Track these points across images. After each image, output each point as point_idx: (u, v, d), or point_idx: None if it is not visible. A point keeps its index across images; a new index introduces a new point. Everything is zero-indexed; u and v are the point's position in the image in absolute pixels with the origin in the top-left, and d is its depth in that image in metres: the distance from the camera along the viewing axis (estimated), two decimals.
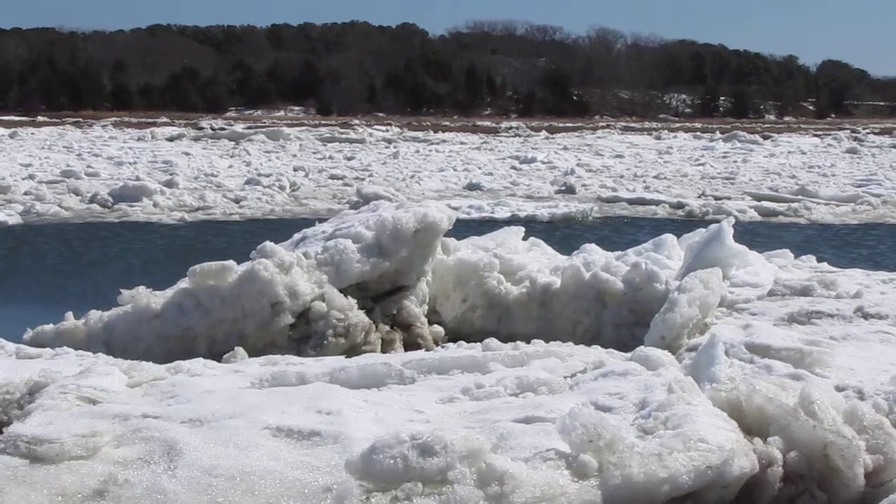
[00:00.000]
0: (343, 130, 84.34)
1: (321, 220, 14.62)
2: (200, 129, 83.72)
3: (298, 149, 62.72)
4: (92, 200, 32.25)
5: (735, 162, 55.92)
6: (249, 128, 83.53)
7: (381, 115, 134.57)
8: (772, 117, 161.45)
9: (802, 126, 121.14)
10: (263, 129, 78.57)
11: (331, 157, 55.28)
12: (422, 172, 44.78)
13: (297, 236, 13.62)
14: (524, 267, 14.23)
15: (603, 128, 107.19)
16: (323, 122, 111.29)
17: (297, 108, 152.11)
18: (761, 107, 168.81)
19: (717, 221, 13.40)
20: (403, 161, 52.89)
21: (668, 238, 14.53)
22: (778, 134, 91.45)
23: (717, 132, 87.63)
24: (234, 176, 41.02)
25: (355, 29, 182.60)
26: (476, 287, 13.88)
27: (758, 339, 9.20)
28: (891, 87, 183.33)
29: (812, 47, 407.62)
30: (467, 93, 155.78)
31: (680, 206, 33.76)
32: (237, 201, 33.40)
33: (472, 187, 39.25)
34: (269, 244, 12.29)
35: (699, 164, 53.02)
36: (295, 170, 45.22)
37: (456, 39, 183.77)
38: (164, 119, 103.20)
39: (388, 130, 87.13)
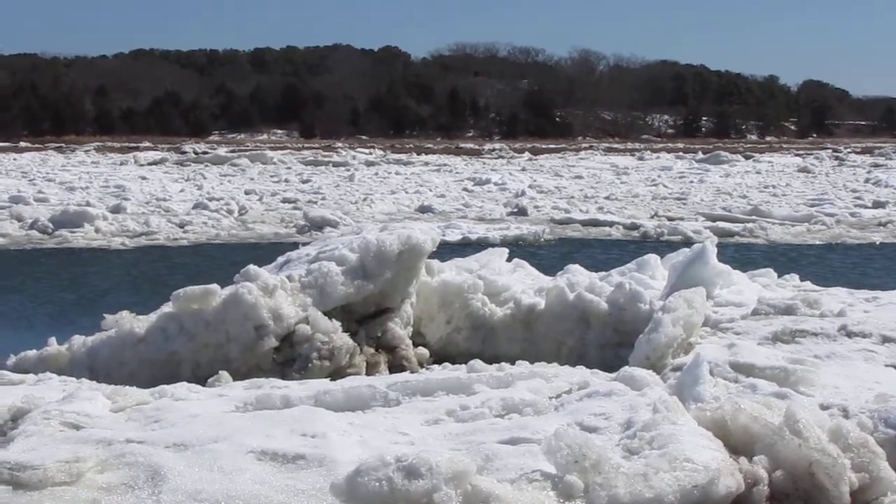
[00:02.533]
0: (326, 153, 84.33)
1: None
2: (183, 153, 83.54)
3: (258, 173, 62.57)
4: (32, 227, 31.48)
5: (692, 182, 56.06)
6: (233, 151, 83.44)
7: (364, 137, 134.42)
8: (754, 137, 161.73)
9: (784, 146, 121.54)
10: (247, 153, 78.51)
11: (286, 181, 55.16)
12: (374, 195, 44.61)
13: (280, 259, 13.62)
14: (508, 288, 14.23)
15: (586, 149, 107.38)
16: (306, 145, 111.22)
17: (280, 131, 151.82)
18: (743, 127, 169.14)
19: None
20: (358, 184, 52.76)
21: (652, 258, 14.56)
22: (760, 154, 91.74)
23: (700, 152, 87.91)
24: (186, 200, 40.70)
25: (338, 52, 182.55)
26: (460, 309, 13.87)
27: (742, 358, 9.20)
28: (871, 107, 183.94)
29: (793, 67, 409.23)
30: (450, 115, 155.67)
31: (634, 227, 33.65)
32: (182, 226, 32.90)
33: (424, 210, 39.13)
34: (252, 267, 12.28)
35: (653, 185, 53.13)
36: (246, 193, 44.97)
37: (438, 62, 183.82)
38: (147, 143, 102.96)
39: (371, 153, 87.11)
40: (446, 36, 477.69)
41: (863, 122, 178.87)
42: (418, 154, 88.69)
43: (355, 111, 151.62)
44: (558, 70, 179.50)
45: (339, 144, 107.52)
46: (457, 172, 64.96)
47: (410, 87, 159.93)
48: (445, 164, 74.61)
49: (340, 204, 40.59)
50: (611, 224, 34.34)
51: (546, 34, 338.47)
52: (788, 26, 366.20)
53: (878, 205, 41.03)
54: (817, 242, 31.18)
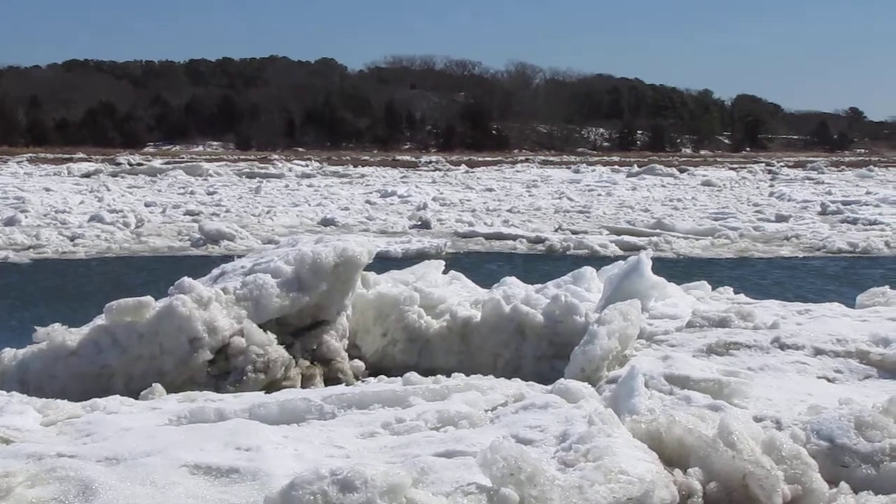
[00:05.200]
0: (262, 165, 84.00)
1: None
2: (118, 164, 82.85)
3: (167, 185, 61.98)
4: None
5: (599, 196, 56.27)
6: (168, 163, 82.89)
7: (300, 149, 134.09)
8: (688, 151, 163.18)
9: (718, 159, 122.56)
10: (182, 165, 78.04)
11: (192, 193, 54.78)
12: (276, 208, 44.42)
13: (215, 271, 13.50)
14: (444, 300, 14.21)
15: (522, 161, 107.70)
16: (242, 157, 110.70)
17: (215, 143, 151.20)
18: (678, 140, 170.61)
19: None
20: (263, 196, 52.42)
21: (588, 270, 14.60)
22: (695, 167, 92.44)
23: (635, 165, 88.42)
24: (85, 213, 40.17)
25: (274, 64, 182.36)
26: (396, 321, 13.83)
27: (677, 370, 9.25)
28: (804, 121, 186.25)
29: (727, 82, 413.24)
30: (387, 127, 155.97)
31: (539, 240, 33.54)
32: (73, 239, 32.33)
33: (326, 223, 38.93)
34: (187, 279, 12.18)
35: (557, 198, 53.33)
36: (147, 205, 44.57)
37: (375, 74, 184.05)
38: (81, 155, 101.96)
39: (307, 165, 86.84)
40: (383, 48, 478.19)
41: (795, 137, 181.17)
42: (355, 166, 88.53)
43: (291, 123, 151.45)
44: (494, 83, 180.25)
45: (276, 156, 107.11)
46: (366, 185, 64.79)
47: (347, 100, 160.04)
48: (383, 177, 74.62)
49: (242, 217, 40.36)
50: (515, 237, 34.24)
51: (482, 47, 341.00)
52: (722, 41, 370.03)
53: (780, 219, 41.68)
54: (730, 256, 31.46)
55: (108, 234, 33.52)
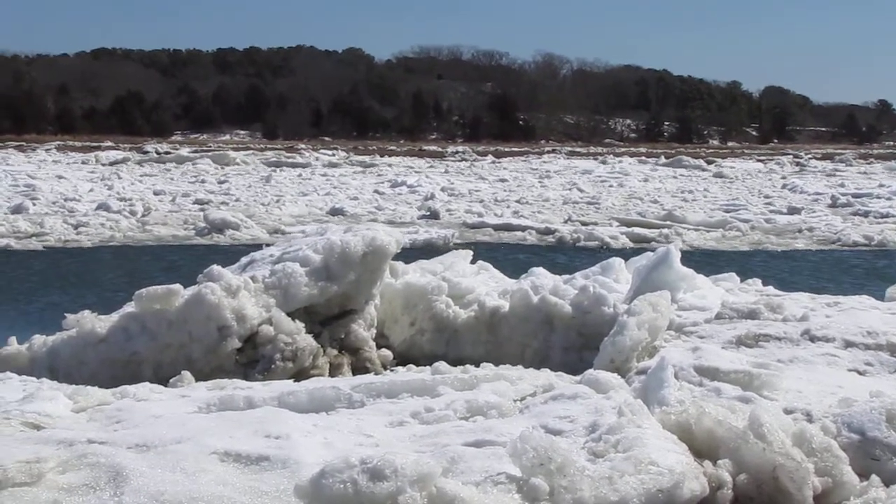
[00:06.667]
0: (289, 155, 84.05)
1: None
2: (145, 153, 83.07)
3: (180, 174, 61.78)
4: None
5: (611, 187, 55.94)
6: (195, 152, 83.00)
7: (327, 139, 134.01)
8: (716, 142, 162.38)
9: (746, 151, 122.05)
10: (209, 153, 78.16)
11: (202, 181, 54.75)
12: (285, 197, 44.36)
13: (244, 260, 13.54)
14: (472, 290, 14.22)
15: (549, 152, 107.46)
16: (269, 146, 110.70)
17: (242, 132, 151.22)
18: (705, 132, 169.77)
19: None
20: (273, 186, 52.22)
21: (616, 261, 14.58)
22: (722, 159, 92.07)
23: (662, 157, 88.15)
24: (94, 201, 40.14)
25: (301, 53, 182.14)
26: (424, 311, 13.84)
27: (706, 361, 9.21)
28: (832, 114, 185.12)
29: (755, 73, 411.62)
30: (413, 117, 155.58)
31: (549, 231, 33.36)
32: (77, 227, 32.24)
33: (335, 212, 38.84)
34: (216, 267, 12.22)
35: (568, 189, 53.03)
36: (156, 193, 44.53)
37: (402, 64, 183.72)
38: (109, 143, 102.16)
39: (334, 155, 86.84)
40: (410, 38, 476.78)
41: (823, 129, 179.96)
42: (381, 156, 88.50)
43: (318, 113, 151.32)
44: (522, 74, 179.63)
45: (302, 146, 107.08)
46: (379, 174, 64.52)
47: (374, 89, 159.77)
48: (411, 167, 74.58)
49: (250, 206, 40.23)
50: (524, 228, 34.11)
51: (510, 38, 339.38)
52: (750, 32, 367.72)
53: (792, 211, 41.57)
54: (744, 248, 31.35)
55: (113, 222, 33.48)
